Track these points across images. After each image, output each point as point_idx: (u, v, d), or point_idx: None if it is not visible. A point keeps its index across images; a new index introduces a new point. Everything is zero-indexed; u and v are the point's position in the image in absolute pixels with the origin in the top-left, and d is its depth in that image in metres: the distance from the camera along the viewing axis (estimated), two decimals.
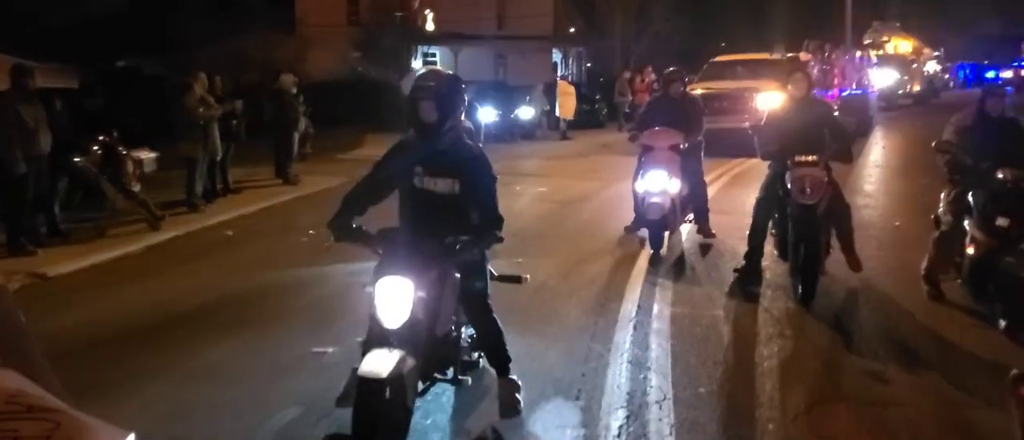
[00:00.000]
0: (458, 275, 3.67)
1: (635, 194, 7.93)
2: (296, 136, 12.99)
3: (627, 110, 21.94)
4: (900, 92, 27.42)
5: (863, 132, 18.12)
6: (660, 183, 7.49)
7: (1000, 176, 5.39)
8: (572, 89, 22.61)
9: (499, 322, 4.01)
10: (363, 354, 3.41)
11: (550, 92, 22.06)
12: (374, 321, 3.47)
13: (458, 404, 4.15)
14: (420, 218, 3.76)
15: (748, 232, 6.56)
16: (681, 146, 7.71)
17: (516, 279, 4.51)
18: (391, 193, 3.90)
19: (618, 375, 4.51)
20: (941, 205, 6.09)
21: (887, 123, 21.65)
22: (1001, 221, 5.35)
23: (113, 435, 1.15)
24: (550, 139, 20.81)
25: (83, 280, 7.34)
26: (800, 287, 5.96)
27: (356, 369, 3.38)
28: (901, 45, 28.55)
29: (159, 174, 10.72)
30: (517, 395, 3.98)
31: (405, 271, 3.43)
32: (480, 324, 3.98)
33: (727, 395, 4.28)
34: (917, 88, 29.04)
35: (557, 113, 21.59)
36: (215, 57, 22.62)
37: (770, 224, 6.59)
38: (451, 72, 3.89)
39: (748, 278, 6.44)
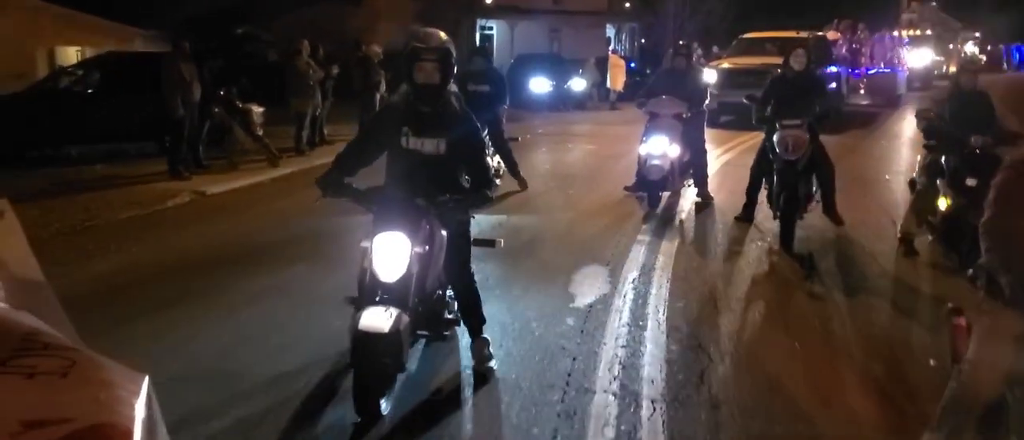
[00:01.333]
0: (444, 233, 3.86)
1: (639, 157, 8.66)
2: (378, 98, 15.18)
3: None
4: (936, 72, 28.36)
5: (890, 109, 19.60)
6: (661, 147, 8.28)
7: (972, 142, 6.16)
8: (622, 63, 24.48)
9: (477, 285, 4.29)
10: (357, 310, 3.55)
11: (602, 65, 23.94)
12: (369, 276, 3.57)
13: (428, 356, 4.45)
14: (407, 177, 3.85)
15: (746, 188, 7.88)
16: (684, 115, 8.45)
17: (490, 243, 4.74)
18: (381, 154, 4.02)
19: (637, 253, 6.63)
20: (916, 169, 7.00)
21: (920, 102, 22.98)
22: (970, 181, 6.03)
23: (127, 376, 1.15)
24: (600, 109, 22.71)
25: (231, 199, 9.65)
26: (781, 230, 7.03)
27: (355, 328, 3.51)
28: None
29: (264, 126, 13.02)
30: (488, 350, 4.30)
31: (401, 226, 3.55)
32: (461, 285, 4.14)
33: (710, 267, 6.40)
34: (953, 68, 29.80)
35: (608, 85, 23.47)
36: (290, 27, 24.97)
37: (763, 181, 7.63)
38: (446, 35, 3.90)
39: (743, 219, 7.87)
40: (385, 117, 4.05)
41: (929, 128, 6.70)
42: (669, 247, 6.93)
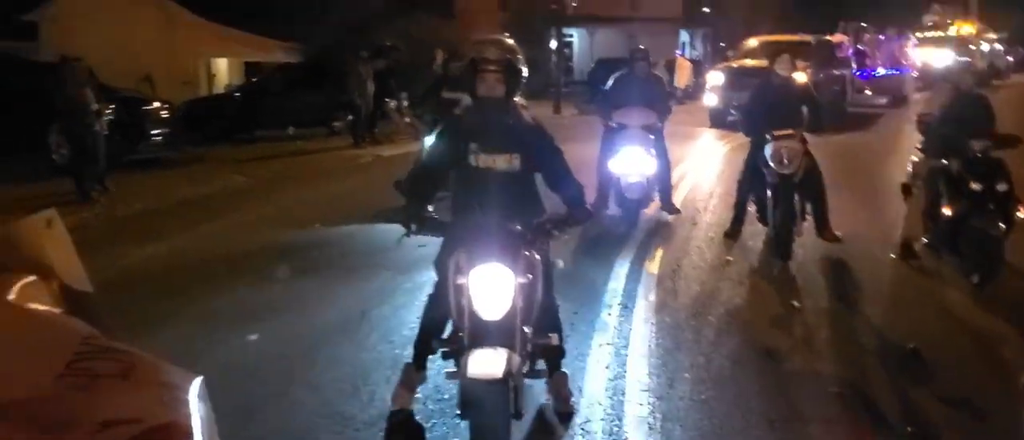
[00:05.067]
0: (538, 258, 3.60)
1: (602, 175, 8.32)
2: None
3: None
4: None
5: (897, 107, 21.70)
6: (637, 162, 8.07)
7: (974, 146, 6.24)
8: (688, 64, 28.96)
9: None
10: (445, 353, 3.54)
11: (671, 67, 28.38)
12: (469, 315, 3.37)
13: None
14: (481, 199, 3.66)
15: (734, 203, 7.83)
16: (657, 125, 8.33)
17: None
18: (448, 173, 3.93)
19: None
20: (910, 172, 7.14)
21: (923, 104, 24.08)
22: (975, 185, 6.16)
23: (181, 376, 1.24)
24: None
25: (399, 158, 14.38)
26: (778, 246, 6.98)
27: (452, 375, 3.46)
28: (964, 28, 31.02)
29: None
30: (569, 388, 4.12)
31: (500, 257, 3.36)
32: (544, 313, 3.77)
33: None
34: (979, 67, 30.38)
35: (675, 83, 27.89)
36: (388, 36, 29.90)
37: (751, 196, 7.60)
38: (512, 41, 3.78)
39: (731, 236, 7.76)
40: (449, 133, 3.93)
41: (928, 131, 6.86)
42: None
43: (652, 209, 8.74)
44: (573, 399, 4.15)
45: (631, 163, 8.13)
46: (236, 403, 4.02)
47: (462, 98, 8.18)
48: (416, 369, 3.99)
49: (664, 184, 8.78)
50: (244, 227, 9.09)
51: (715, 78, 19.36)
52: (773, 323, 5.76)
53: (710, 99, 19.01)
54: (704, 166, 13.11)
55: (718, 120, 18.11)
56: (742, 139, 8.87)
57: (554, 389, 4.07)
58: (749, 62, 18.32)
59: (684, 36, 42.76)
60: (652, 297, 6.10)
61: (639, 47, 9.43)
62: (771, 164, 6.99)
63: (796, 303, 6.10)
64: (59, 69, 10.40)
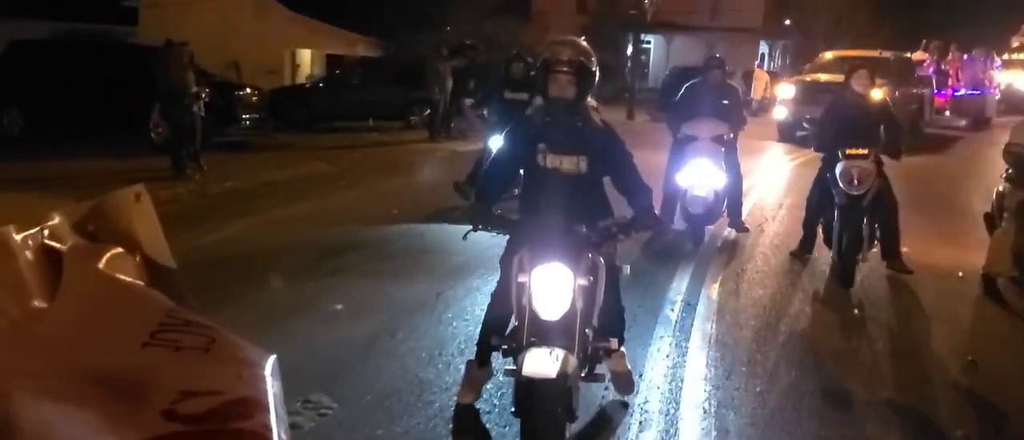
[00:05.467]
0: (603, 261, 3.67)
1: (669, 188, 8.02)
2: None
3: None
4: None
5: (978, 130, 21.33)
6: (704, 175, 7.78)
7: None
8: (765, 76, 28.77)
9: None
10: (517, 353, 3.44)
11: (748, 78, 28.25)
12: (529, 314, 3.45)
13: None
14: (547, 199, 3.74)
15: (803, 222, 7.57)
16: (726, 137, 7.95)
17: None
18: (518, 173, 4.00)
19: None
20: (994, 202, 6.93)
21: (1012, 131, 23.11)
22: None
23: (258, 354, 1.27)
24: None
25: (470, 156, 14.89)
26: (841, 271, 6.70)
27: (509, 372, 3.58)
28: None
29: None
30: (629, 366, 4.24)
31: (561, 257, 3.41)
32: (609, 307, 3.87)
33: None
34: None
35: (751, 94, 27.76)
36: (468, 36, 30.51)
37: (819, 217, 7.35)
38: (585, 43, 3.80)
39: (798, 254, 7.50)
40: (518, 133, 3.94)
41: (1017, 162, 6.60)
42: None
43: (718, 225, 8.48)
44: (632, 377, 4.29)
45: (699, 176, 7.83)
46: (323, 366, 4.52)
47: (524, 98, 8.40)
48: (478, 367, 4.10)
49: (734, 199, 8.42)
50: (326, 210, 9.59)
51: (786, 91, 19.05)
52: (832, 329, 5.95)
53: (779, 112, 18.71)
54: (772, 179, 13.19)
55: (787, 134, 17.88)
56: (811, 154, 8.81)
57: (613, 365, 4.13)
58: (822, 76, 18.04)
59: (763, 47, 42.40)
60: (714, 297, 6.35)
61: (714, 55, 9.21)
62: (840, 184, 6.72)
63: (857, 312, 6.29)
64: (163, 53, 11.09)
